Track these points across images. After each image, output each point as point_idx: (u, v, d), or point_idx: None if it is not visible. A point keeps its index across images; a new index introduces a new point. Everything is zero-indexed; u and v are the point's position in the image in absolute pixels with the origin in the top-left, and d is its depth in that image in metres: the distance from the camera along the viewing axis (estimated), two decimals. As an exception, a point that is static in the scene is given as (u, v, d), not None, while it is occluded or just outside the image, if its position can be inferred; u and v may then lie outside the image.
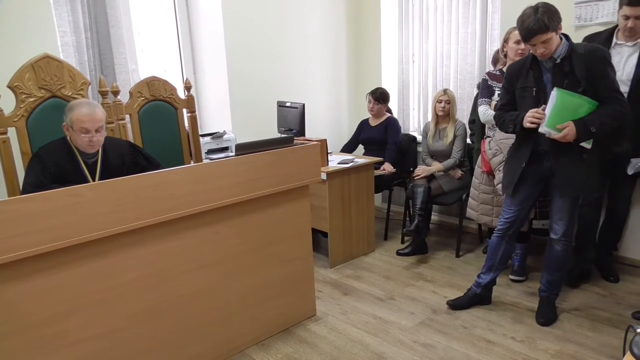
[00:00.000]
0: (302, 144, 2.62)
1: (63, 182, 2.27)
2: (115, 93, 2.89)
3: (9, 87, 2.48)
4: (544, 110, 2.32)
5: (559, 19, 2.26)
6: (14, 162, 2.53)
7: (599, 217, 3.05)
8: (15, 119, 2.51)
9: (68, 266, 1.85)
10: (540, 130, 2.34)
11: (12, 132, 2.52)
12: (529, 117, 2.35)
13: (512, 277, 3.14)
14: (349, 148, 4.16)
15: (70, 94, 2.65)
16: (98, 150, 2.42)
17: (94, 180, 2.38)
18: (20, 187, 2.43)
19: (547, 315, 2.63)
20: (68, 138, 2.37)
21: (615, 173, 2.89)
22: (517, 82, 2.49)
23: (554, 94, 2.29)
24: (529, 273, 3.18)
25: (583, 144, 2.34)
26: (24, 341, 1.79)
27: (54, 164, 2.33)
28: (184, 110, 3.26)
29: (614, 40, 2.79)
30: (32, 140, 2.56)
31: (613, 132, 2.39)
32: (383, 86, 4.26)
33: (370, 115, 4.11)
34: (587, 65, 2.29)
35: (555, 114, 2.29)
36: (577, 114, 2.30)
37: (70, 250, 1.83)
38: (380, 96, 3.96)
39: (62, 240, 1.78)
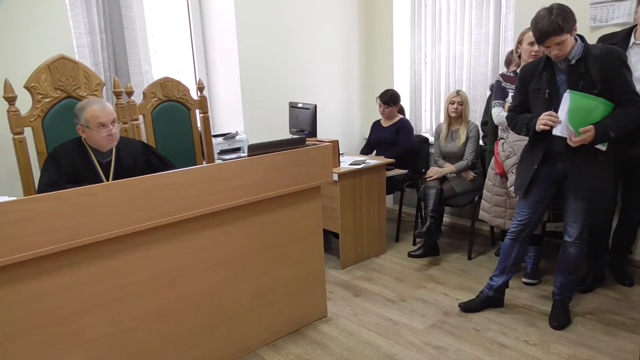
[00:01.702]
0: (314, 144, 2.63)
1: (77, 181, 2.30)
2: (129, 94, 2.92)
3: (25, 87, 2.52)
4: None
5: (573, 20, 2.23)
6: (29, 161, 2.56)
7: (611, 221, 3.01)
8: (32, 119, 2.55)
9: (82, 265, 1.87)
10: (555, 132, 2.31)
11: (28, 132, 2.55)
12: (544, 120, 2.32)
13: (525, 280, 3.11)
14: (366, 151, 4.16)
15: (85, 94, 2.68)
16: (112, 150, 2.45)
17: (107, 180, 2.41)
18: (36, 186, 2.46)
19: (560, 319, 2.60)
20: (83, 139, 2.40)
21: (630, 175, 2.86)
22: (530, 84, 2.47)
23: (567, 97, 2.26)
24: (542, 276, 3.15)
25: (598, 146, 2.32)
26: (39, 339, 1.81)
27: (69, 164, 2.36)
28: (197, 111, 3.29)
29: (632, 40, 2.76)
30: (47, 140, 2.60)
31: (629, 134, 2.36)
32: (395, 87, 4.26)
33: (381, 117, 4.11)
34: (602, 66, 2.26)
35: (570, 116, 2.26)
36: (592, 115, 2.27)
37: (84, 249, 1.85)
38: (389, 99, 3.95)
39: (76, 240, 1.80)
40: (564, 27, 2.19)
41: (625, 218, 3.01)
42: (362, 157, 3.75)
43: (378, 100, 4.01)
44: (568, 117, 2.26)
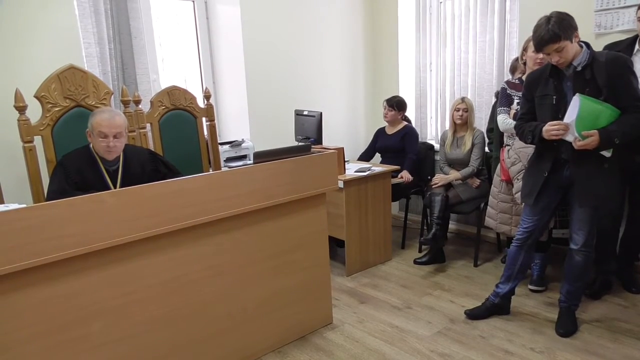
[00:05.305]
0: (320, 152, 2.64)
1: (85, 188, 2.33)
2: (137, 102, 2.96)
3: (35, 97, 2.55)
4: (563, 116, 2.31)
5: (573, 27, 2.24)
6: (39, 169, 2.60)
7: (619, 228, 3.00)
8: (41, 128, 2.59)
9: (90, 271, 1.89)
10: (564, 137, 2.31)
11: (37, 141, 2.59)
12: (553, 132, 2.31)
13: (531, 287, 3.10)
14: (365, 157, 4.17)
15: (94, 103, 2.72)
16: (119, 158, 2.48)
17: (115, 188, 2.43)
18: (45, 194, 2.49)
19: (566, 326, 2.59)
20: (90, 145, 2.43)
21: (636, 182, 2.85)
22: (536, 90, 2.47)
23: (577, 100, 2.26)
24: (549, 283, 3.14)
25: (603, 152, 2.32)
26: (48, 344, 1.83)
27: (77, 171, 2.39)
28: (204, 119, 3.31)
29: (636, 47, 2.76)
30: (56, 148, 2.63)
31: (635, 140, 2.35)
32: (401, 94, 4.27)
33: (386, 124, 4.12)
34: (608, 73, 2.26)
35: (578, 119, 2.26)
36: (598, 121, 2.27)
37: (91, 256, 1.87)
38: (396, 103, 3.96)
39: (84, 246, 1.82)
40: (561, 35, 2.20)
41: (632, 225, 3.00)
42: (368, 164, 3.76)
43: (384, 103, 4.02)
44: (576, 120, 2.25)
